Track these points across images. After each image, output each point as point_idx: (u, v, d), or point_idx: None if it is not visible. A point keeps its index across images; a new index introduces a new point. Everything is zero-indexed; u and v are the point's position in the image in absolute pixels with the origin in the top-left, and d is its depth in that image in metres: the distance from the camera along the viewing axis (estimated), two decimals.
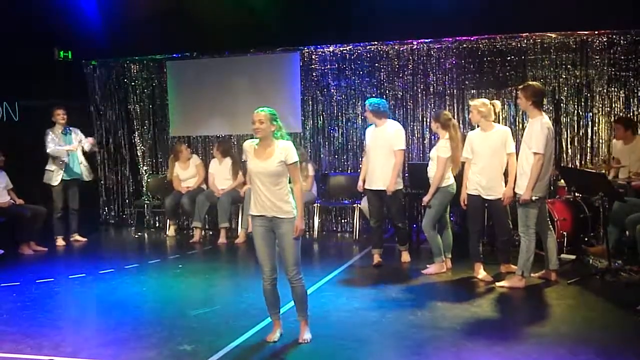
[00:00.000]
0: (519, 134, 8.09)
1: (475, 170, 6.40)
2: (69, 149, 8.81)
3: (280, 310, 4.86)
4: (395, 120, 8.13)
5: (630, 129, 7.60)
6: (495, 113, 6.44)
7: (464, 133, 7.12)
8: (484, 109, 6.35)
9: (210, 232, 9.61)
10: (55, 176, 8.77)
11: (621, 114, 8.28)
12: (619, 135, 7.64)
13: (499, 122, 7.81)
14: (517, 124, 8.65)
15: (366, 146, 7.21)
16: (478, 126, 6.48)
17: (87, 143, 9.06)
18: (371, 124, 7.14)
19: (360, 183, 7.25)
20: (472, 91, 8.83)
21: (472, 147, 6.43)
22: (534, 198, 5.84)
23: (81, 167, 9.01)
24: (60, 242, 8.87)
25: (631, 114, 8.27)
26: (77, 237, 9.15)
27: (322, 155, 9.66)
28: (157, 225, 10.43)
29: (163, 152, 10.54)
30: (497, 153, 6.33)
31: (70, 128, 9.01)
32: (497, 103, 6.57)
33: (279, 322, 4.81)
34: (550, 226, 6.38)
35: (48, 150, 8.73)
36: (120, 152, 10.75)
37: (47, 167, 8.83)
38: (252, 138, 4.72)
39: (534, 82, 6.42)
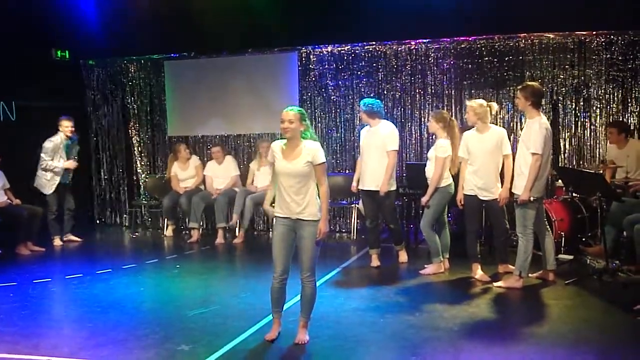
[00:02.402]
0: (517, 135, 8.09)
1: (471, 171, 6.42)
2: (67, 166, 8.78)
3: (283, 309, 4.86)
4: (393, 120, 8.14)
5: (624, 132, 7.59)
6: (491, 115, 6.46)
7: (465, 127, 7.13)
8: (481, 110, 6.35)
9: (200, 233, 9.55)
10: (50, 184, 8.73)
11: (618, 115, 8.29)
12: (613, 139, 7.61)
13: (496, 123, 7.83)
14: (514, 124, 8.65)
15: (360, 147, 7.20)
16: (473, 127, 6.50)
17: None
18: (366, 125, 7.14)
19: (354, 184, 7.24)
20: (472, 91, 8.83)
21: (468, 147, 6.44)
22: (532, 199, 5.85)
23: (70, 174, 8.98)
24: (57, 242, 8.85)
25: (628, 115, 8.28)
26: (71, 237, 9.12)
27: None
28: (155, 225, 10.41)
29: (161, 152, 10.53)
30: (493, 154, 6.35)
31: (75, 138, 8.98)
32: (494, 105, 6.58)
33: (280, 321, 4.81)
34: (548, 226, 6.38)
35: (42, 166, 8.66)
36: (118, 152, 10.72)
37: (40, 174, 8.73)
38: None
39: (533, 82, 6.43)
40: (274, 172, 4.70)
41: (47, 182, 8.74)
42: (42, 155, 8.69)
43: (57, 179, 8.76)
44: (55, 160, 8.73)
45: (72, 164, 8.88)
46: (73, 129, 8.90)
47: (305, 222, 4.55)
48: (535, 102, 5.91)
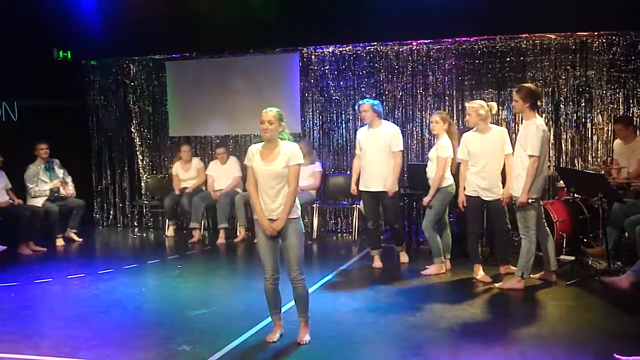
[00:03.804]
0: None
1: (474, 172, 6.40)
2: (51, 186, 8.85)
3: (282, 311, 4.86)
4: (394, 120, 8.12)
5: (631, 126, 7.55)
6: (491, 115, 6.46)
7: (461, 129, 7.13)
8: (483, 111, 6.35)
9: (201, 233, 9.54)
10: (39, 201, 8.79)
11: (619, 115, 8.27)
12: (622, 134, 7.51)
13: (498, 124, 7.83)
14: (516, 125, 8.64)
15: (360, 148, 7.09)
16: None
17: (67, 190, 9.06)
18: (363, 125, 7.11)
19: (353, 186, 7.20)
20: (473, 92, 8.82)
21: (469, 149, 6.43)
22: (530, 200, 5.85)
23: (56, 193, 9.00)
24: (59, 242, 8.85)
25: (630, 115, 8.25)
26: (72, 235, 9.14)
27: (321, 156, 9.64)
28: (156, 225, 10.41)
29: (162, 152, 10.53)
30: (496, 154, 6.35)
31: (53, 161, 9.05)
32: (494, 105, 6.59)
33: (280, 322, 4.81)
34: (547, 227, 6.37)
35: (30, 195, 8.75)
36: (120, 152, 10.73)
37: (30, 201, 8.81)
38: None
39: (529, 84, 6.44)
40: (249, 175, 4.67)
41: (36, 200, 8.78)
42: (27, 184, 8.79)
43: (44, 198, 8.82)
44: (39, 186, 8.80)
45: (55, 183, 8.93)
46: (47, 150, 8.93)
47: (287, 221, 4.55)
48: (532, 103, 5.90)
